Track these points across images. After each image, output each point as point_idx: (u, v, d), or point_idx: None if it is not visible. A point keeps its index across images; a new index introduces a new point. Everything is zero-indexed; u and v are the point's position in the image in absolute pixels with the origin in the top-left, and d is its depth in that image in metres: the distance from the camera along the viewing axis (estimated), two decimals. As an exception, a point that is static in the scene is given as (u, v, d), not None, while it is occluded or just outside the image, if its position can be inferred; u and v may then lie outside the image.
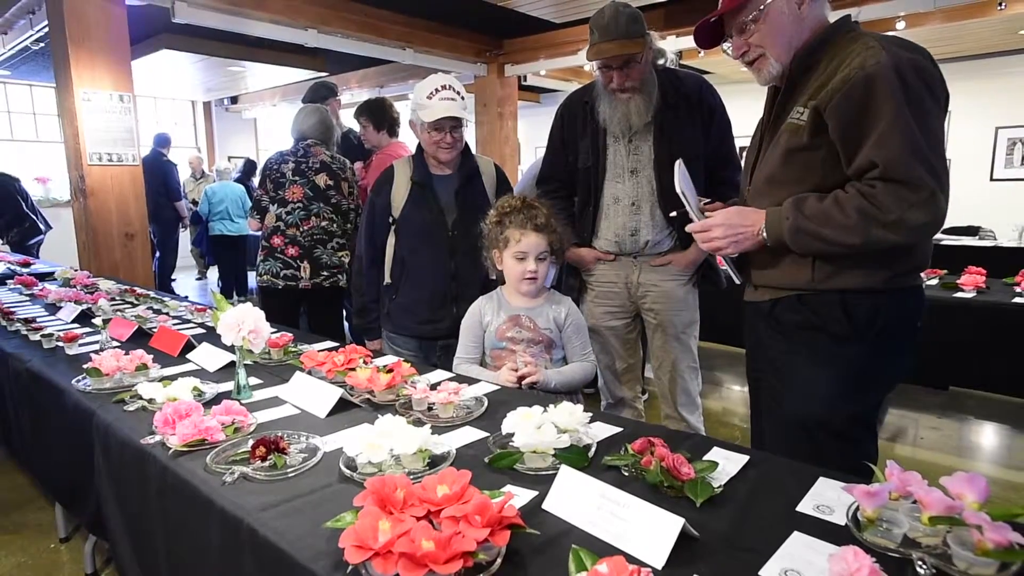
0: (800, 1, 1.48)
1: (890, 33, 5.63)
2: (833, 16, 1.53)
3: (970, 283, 3.24)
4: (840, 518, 0.96)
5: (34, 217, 6.95)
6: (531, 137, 10.01)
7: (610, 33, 2.02)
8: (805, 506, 1.01)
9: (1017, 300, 2.99)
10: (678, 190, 1.59)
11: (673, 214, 1.80)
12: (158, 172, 6.56)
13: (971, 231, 6.61)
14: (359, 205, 3.23)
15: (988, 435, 3.54)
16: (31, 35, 4.92)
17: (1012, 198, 7.10)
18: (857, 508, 0.94)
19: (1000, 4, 4.70)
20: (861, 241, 1.38)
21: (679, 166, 1.63)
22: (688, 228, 1.63)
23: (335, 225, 3.21)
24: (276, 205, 3.17)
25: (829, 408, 1.53)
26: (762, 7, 1.49)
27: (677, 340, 2.30)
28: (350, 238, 3.22)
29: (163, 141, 6.83)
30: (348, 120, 4.25)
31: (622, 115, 2.14)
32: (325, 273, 3.18)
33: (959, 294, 3.18)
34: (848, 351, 1.50)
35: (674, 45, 5.16)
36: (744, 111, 2.87)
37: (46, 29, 4.26)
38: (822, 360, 1.53)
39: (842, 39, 1.46)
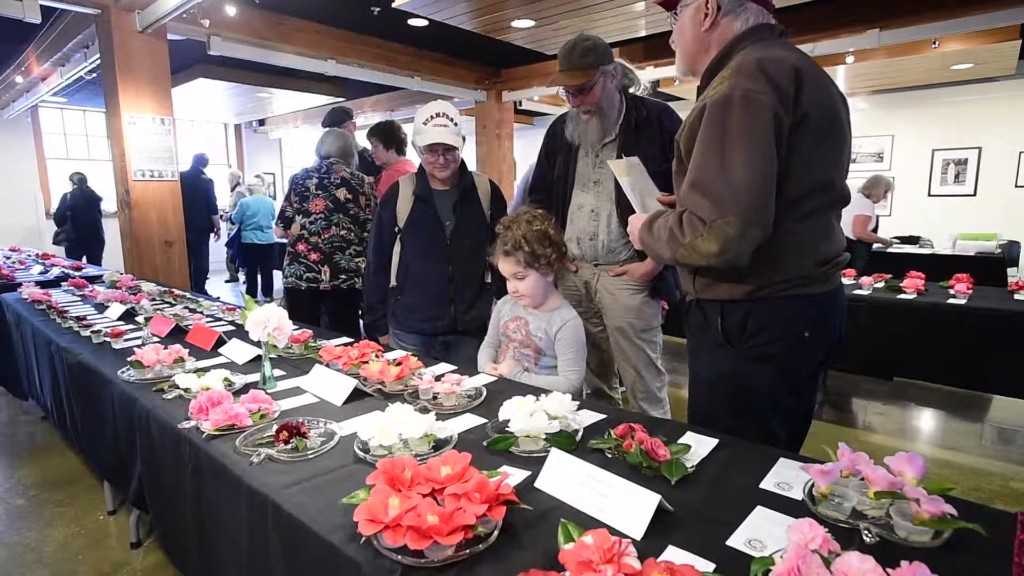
0: (702, 22, 1.33)
1: (839, 68, 5.67)
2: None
3: (911, 286, 3.25)
4: (798, 494, 0.96)
5: (72, 232, 6.93)
6: (526, 155, 9.95)
7: (563, 64, 2.03)
8: (767, 483, 1.01)
9: (951, 301, 3.00)
10: (622, 183, 1.52)
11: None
12: (200, 188, 6.51)
13: (912, 240, 6.64)
14: (376, 216, 3.23)
15: (927, 420, 3.54)
16: (85, 67, 4.91)
17: (947, 212, 7.14)
18: (812, 485, 0.94)
19: (934, 43, 4.75)
20: (671, 257, 1.30)
21: (631, 161, 1.51)
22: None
23: (353, 234, 3.20)
24: (301, 216, 3.16)
25: (708, 408, 1.45)
26: (678, 11, 1.38)
27: (633, 344, 2.22)
28: (366, 246, 3.21)
29: (201, 160, 6.78)
30: (362, 140, 4.25)
31: (582, 132, 2.15)
32: (343, 276, 3.17)
33: (902, 296, 3.19)
34: (724, 354, 1.40)
35: (652, 75, 5.16)
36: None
37: (98, 61, 4.25)
38: (708, 360, 1.45)
39: (736, 57, 1.27)
